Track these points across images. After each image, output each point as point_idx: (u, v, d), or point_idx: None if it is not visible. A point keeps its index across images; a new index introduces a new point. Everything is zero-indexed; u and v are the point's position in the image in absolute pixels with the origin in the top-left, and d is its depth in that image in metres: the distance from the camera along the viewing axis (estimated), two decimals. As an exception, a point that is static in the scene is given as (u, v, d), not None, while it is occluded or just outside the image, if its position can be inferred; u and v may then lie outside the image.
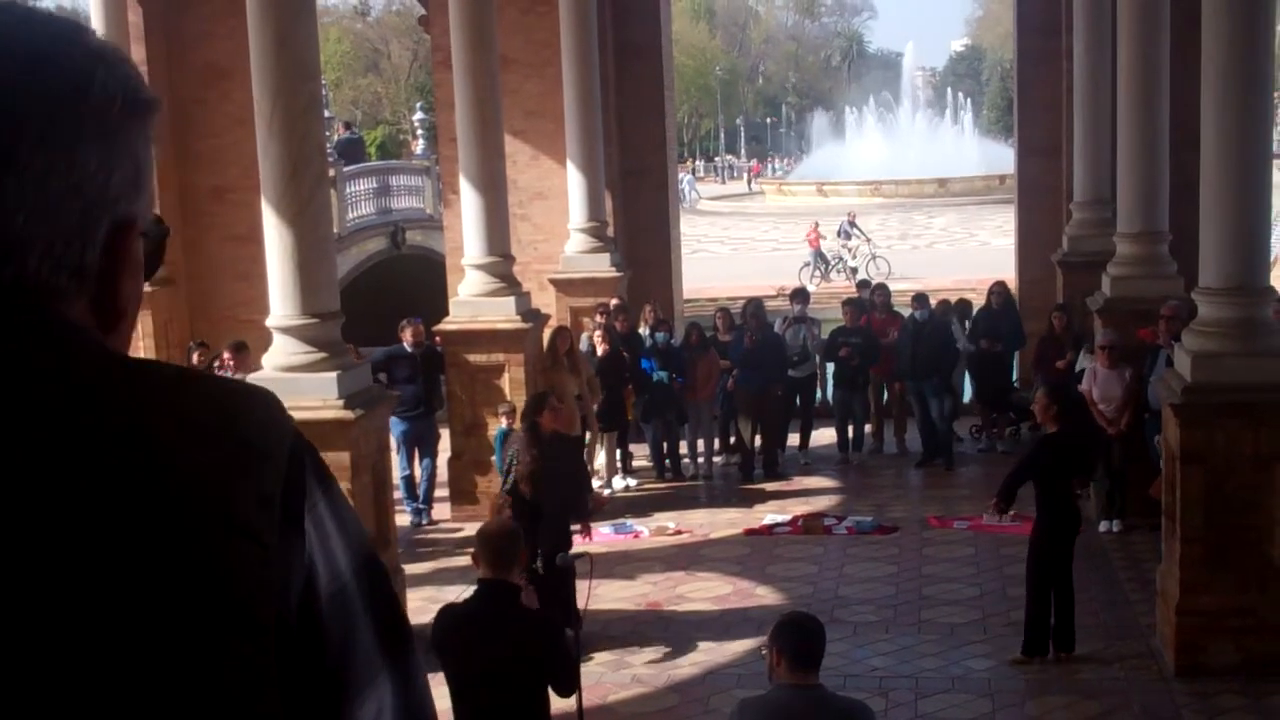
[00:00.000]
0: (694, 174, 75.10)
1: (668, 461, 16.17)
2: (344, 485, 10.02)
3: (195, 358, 14.47)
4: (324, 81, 24.18)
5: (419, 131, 45.00)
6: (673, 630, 11.09)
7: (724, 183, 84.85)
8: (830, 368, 17.10)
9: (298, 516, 1.15)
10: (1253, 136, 9.44)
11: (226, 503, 1.09)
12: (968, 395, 17.51)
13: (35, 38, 1.17)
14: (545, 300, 16.86)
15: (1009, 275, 19.35)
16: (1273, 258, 13.39)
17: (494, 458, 14.11)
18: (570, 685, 6.28)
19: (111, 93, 1.18)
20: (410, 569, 12.00)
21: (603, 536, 13.72)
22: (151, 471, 1.07)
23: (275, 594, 1.11)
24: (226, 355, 13.72)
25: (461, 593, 12.23)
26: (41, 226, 1.13)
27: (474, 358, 14.36)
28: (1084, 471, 10.94)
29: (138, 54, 17.85)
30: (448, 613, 6.24)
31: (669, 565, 12.88)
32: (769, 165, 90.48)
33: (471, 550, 6.53)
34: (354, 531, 1.23)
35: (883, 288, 18.02)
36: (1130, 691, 9.55)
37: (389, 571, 1.30)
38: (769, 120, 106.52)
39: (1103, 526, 13.12)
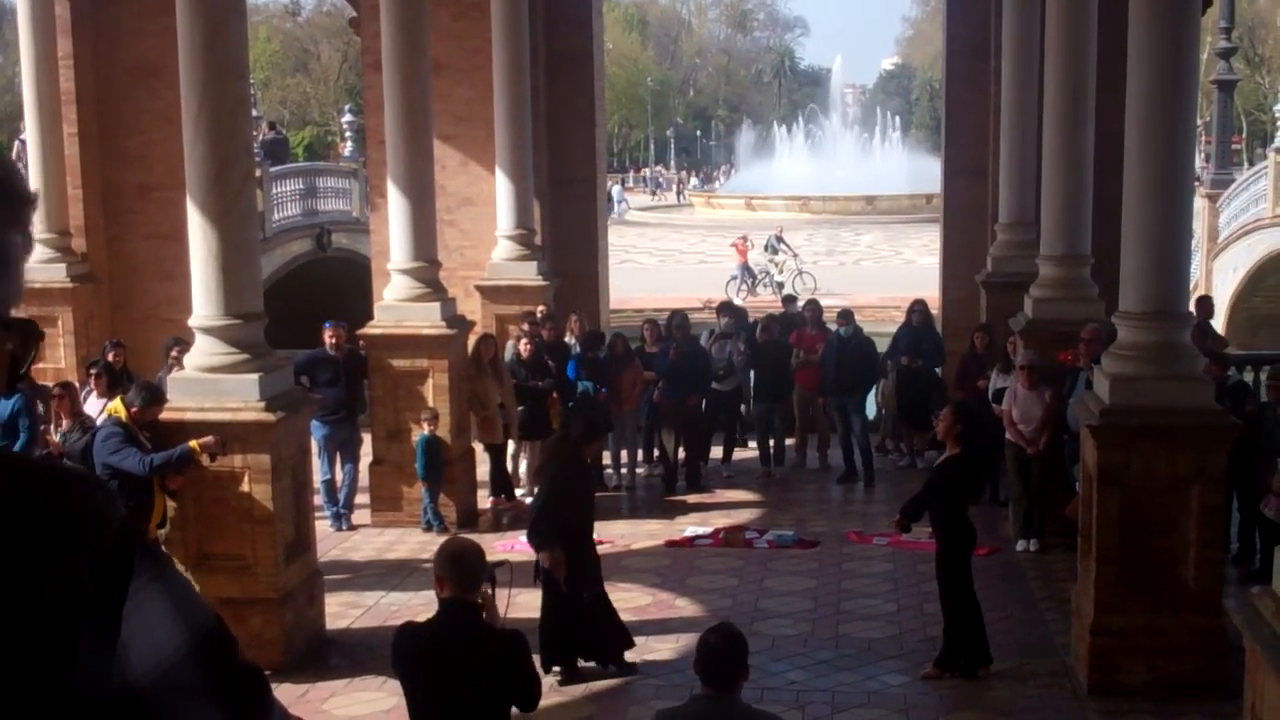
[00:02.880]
0: (623, 184, 75.08)
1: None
2: (263, 488, 9.99)
3: (110, 356, 14.21)
4: (252, 81, 23.84)
5: (347, 134, 44.62)
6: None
7: (654, 194, 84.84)
8: (753, 379, 17.18)
9: (115, 604, 1.16)
10: (1175, 162, 9.60)
11: (30, 585, 1.08)
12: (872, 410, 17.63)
13: None
14: (471, 307, 16.80)
15: (933, 294, 19.56)
16: (1192, 284, 13.63)
17: (416, 464, 14.02)
18: (533, 701, 6.25)
19: None
20: (330, 575, 11.90)
21: (523, 545, 13.63)
22: None
23: (79, 676, 1.12)
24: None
25: (380, 598, 12.20)
26: None
27: (398, 363, 14.26)
28: (975, 493, 11.01)
29: (64, 48, 17.60)
30: (408, 631, 6.16)
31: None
32: (717, 176, 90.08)
33: (430, 568, 6.43)
34: (192, 610, 1.25)
35: (814, 303, 18.16)
36: (1044, 709, 9.66)
37: (235, 643, 1.31)
38: (699, 133, 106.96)
39: (1020, 545, 13.28)
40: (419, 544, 13.74)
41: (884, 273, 41.29)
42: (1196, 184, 13.55)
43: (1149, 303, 9.60)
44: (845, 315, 16.76)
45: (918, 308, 17.17)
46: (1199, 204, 27.97)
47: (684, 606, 11.94)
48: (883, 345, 17.44)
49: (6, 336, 1.24)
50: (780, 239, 40.62)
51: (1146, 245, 9.58)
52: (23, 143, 24.02)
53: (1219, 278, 30.26)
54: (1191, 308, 12.18)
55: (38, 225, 17.49)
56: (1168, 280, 9.70)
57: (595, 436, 10.83)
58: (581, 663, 10.28)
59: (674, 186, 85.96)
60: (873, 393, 17.37)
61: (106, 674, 1.15)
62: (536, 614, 11.32)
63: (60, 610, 1.09)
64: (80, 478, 1.17)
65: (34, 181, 17.14)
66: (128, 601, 1.17)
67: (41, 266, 17.07)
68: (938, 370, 17.13)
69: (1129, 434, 9.47)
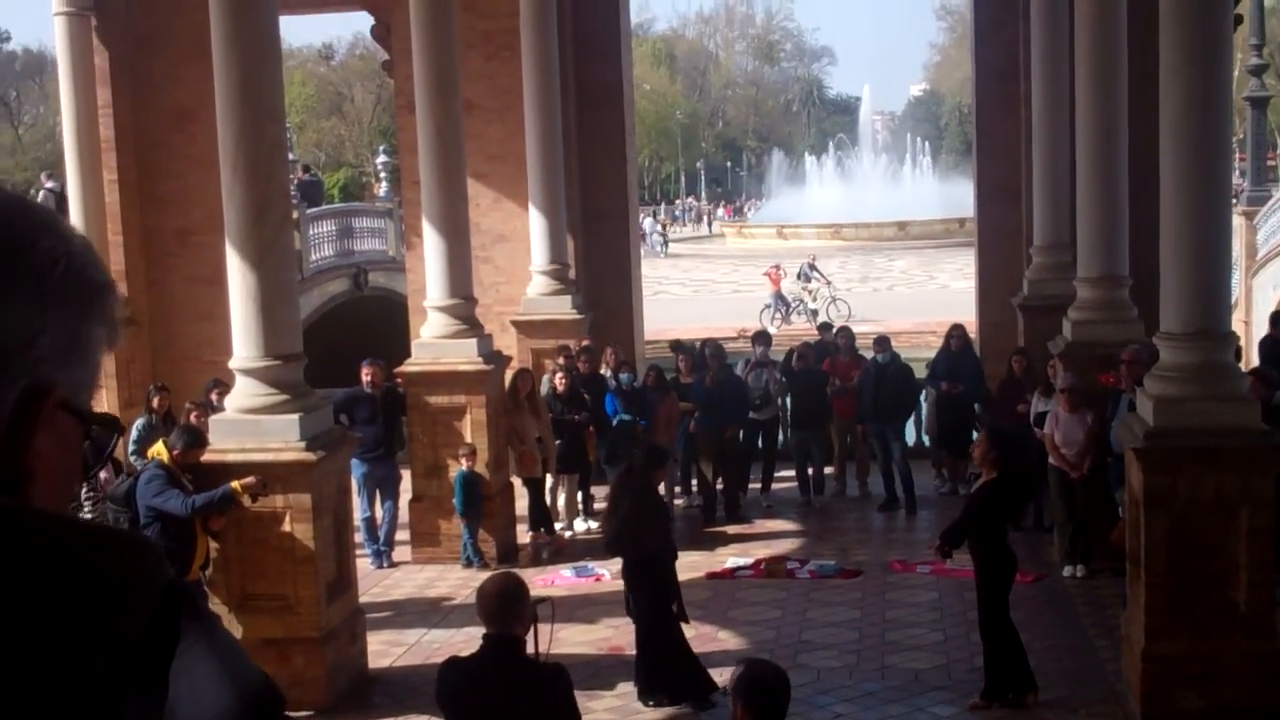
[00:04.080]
0: (654, 217, 75.08)
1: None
2: (305, 528, 10.01)
3: (155, 401, 14.33)
4: (288, 124, 24.04)
5: (382, 174, 44.98)
6: (633, 674, 10.98)
7: (688, 225, 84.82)
8: (789, 407, 17.13)
9: (162, 667, 1.15)
10: (1213, 180, 9.53)
11: (77, 649, 1.08)
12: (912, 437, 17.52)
13: None
14: (507, 342, 16.83)
15: (969, 318, 19.48)
16: (1232, 302, 13.50)
17: (455, 500, 14.03)
18: None
19: (55, 258, 1.19)
20: (371, 613, 11.90)
21: (564, 579, 13.64)
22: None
23: None
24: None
25: (422, 635, 12.19)
26: None
27: (435, 399, 14.29)
28: (1014, 517, 10.92)
29: (103, 97, 17.86)
30: (452, 666, 6.16)
31: (625, 608, 12.77)
32: (744, 206, 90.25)
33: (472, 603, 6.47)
34: (240, 671, 1.26)
35: (846, 330, 18.10)
36: (1095, 737, 9.54)
37: (283, 703, 1.31)
38: (729, 164, 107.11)
39: (1066, 571, 13.14)
40: (459, 580, 13.73)
41: (918, 298, 41.14)
42: (1234, 201, 13.49)
43: (1191, 323, 9.52)
44: (882, 342, 16.69)
45: (956, 333, 17.05)
46: (1236, 221, 27.77)
47: (726, 639, 11.86)
48: (919, 370, 17.35)
49: (85, 432, 1.26)
50: (813, 266, 40.59)
51: (1186, 265, 9.51)
52: (49, 191, 24.33)
53: (1259, 295, 29.96)
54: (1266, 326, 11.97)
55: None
56: (1209, 300, 9.61)
57: (661, 462, 10.98)
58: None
59: (703, 217, 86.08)
60: (911, 419, 17.27)
61: None
62: (578, 650, 11.33)
63: (107, 674, 1.09)
64: (129, 539, 1.18)
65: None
66: (174, 663, 1.16)
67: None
68: (976, 401, 16.94)
69: (1174, 456, 9.37)
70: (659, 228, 71.27)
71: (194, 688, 1.19)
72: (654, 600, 10.12)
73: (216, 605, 9.79)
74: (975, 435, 16.77)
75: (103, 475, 11.87)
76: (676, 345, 18.54)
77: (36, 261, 1.18)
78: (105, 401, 16.71)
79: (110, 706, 1.09)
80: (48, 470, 1.21)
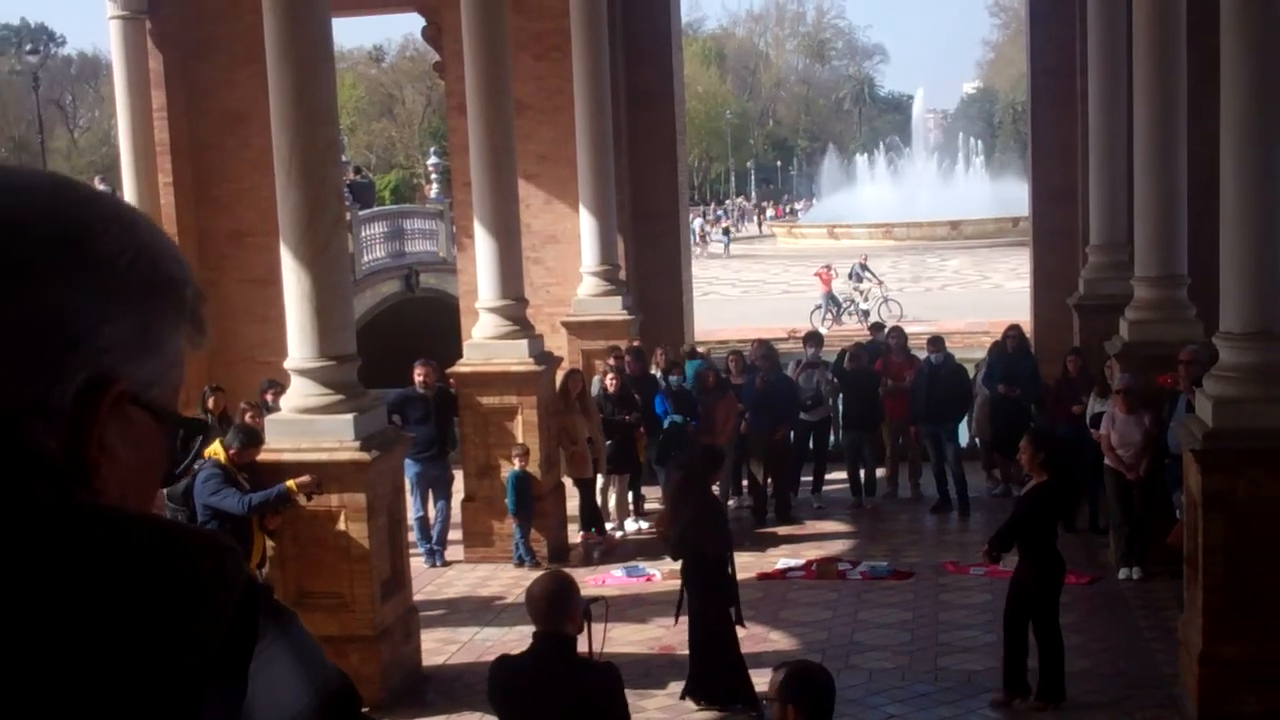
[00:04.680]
0: (705, 218, 74.87)
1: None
2: (359, 527, 10.08)
3: (211, 402, 14.47)
4: (340, 126, 24.19)
5: (433, 176, 45.21)
6: (685, 674, 10.97)
7: (743, 225, 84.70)
8: (841, 408, 17.05)
9: (241, 665, 1.14)
10: (1274, 176, 9.39)
11: (157, 651, 1.07)
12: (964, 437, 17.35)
13: (51, 198, 1.18)
14: (557, 343, 16.86)
15: (1023, 318, 19.31)
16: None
17: (506, 500, 14.08)
18: None
19: (122, 247, 1.18)
20: (425, 611, 11.97)
21: (615, 579, 13.66)
22: (76, 619, 1.05)
23: None
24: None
25: (475, 634, 12.24)
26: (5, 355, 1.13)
27: (487, 400, 14.34)
28: (1066, 515, 10.81)
29: (158, 100, 18.07)
30: (504, 664, 6.17)
31: (676, 608, 12.77)
32: (794, 207, 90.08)
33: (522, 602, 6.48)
34: (318, 668, 1.24)
35: (899, 330, 17.99)
36: (1152, 741, 9.44)
37: (360, 701, 1.29)
38: (779, 163, 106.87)
39: (1122, 574, 13.01)
40: (511, 579, 13.78)
41: (971, 298, 40.85)
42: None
43: (1251, 323, 9.39)
44: (936, 342, 16.58)
45: (1013, 333, 16.80)
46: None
47: (778, 640, 11.83)
48: (972, 370, 17.19)
49: (167, 431, 1.25)
50: (865, 266, 40.40)
51: (1246, 263, 9.39)
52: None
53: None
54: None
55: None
56: (1270, 299, 9.47)
57: (719, 464, 10.93)
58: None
59: (750, 217, 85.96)
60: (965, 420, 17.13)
61: None
62: (629, 649, 11.34)
63: (187, 676, 1.08)
64: (208, 539, 1.16)
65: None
66: (252, 662, 1.15)
67: (139, 313, 17.51)
68: (1032, 402, 16.74)
69: (1234, 458, 9.24)
70: (723, 227, 71.35)
71: (272, 686, 1.18)
72: (713, 603, 10.11)
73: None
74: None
75: None
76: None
77: (102, 250, 1.16)
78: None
79: (190, 710, 1.08)
80: (120, 467, 1.20)
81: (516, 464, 14.03)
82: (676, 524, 10.46)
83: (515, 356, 14.32)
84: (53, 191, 1.19)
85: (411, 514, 13.79)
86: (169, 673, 1.07)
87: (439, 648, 11.81)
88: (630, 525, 15.78)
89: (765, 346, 17.09)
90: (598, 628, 7.80)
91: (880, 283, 39.78)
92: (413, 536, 13.81)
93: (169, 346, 1.22)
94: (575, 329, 17.55)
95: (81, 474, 1.17)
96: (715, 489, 15.98)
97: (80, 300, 1.15)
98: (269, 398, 13.51)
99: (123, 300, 1.18)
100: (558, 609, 6.06)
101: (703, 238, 63.40)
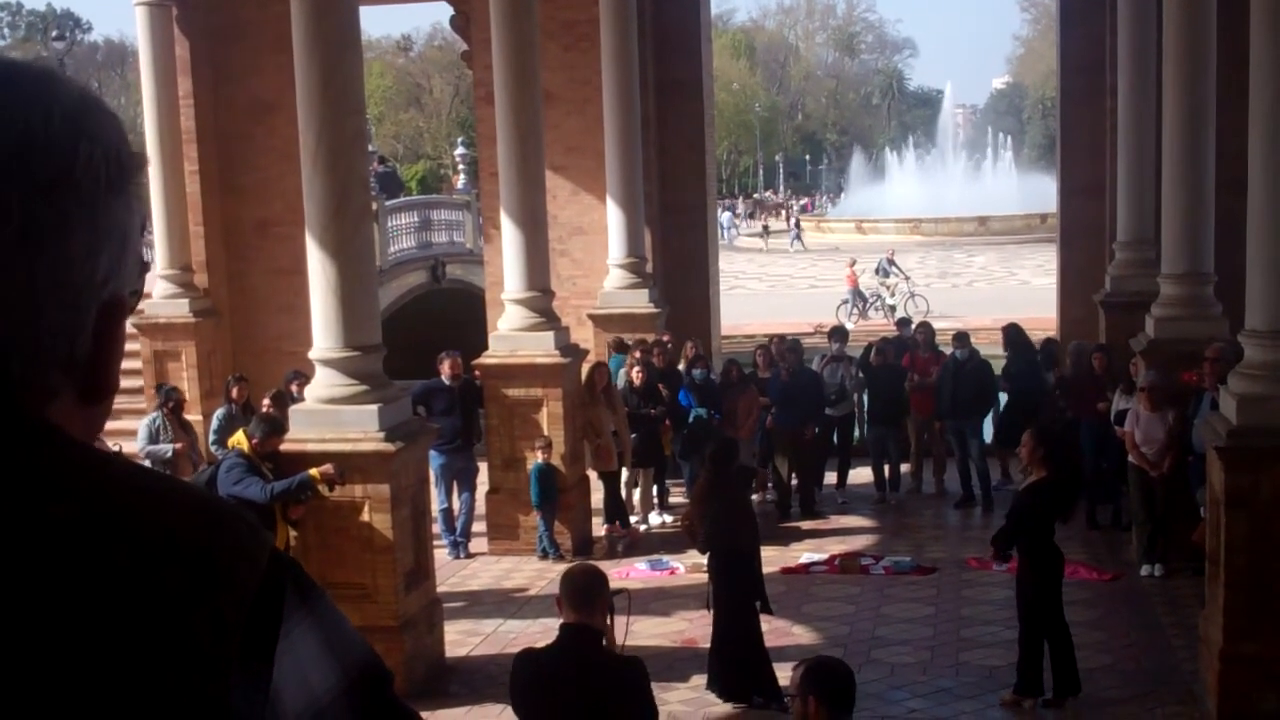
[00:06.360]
0: (734, 212, 74.65)
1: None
2: (383, 518, 10.12)
3: (234, 392, 14.55)
4: (367, 116, 24.34)
5: (460, 166, 45.29)
6: (706, 667, 11.00)
7: (771, 219, 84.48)
8: (867, 403, 17.03)
9: (267, 646, 1.11)
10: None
11: (180, 629, 1.05)
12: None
13: (11, 106, 1.09)
14: (583, 335, 16.89)
15: (1050, 315, 19.25)
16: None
17: (531, 492, 14.11)
18: None
19: (96, 168, 1.11)
20: (448, 603, 12.02)
21: (639, 572, 13.69)
22: (96, 595, 1.03)
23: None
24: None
25: (498, 626, 12.29)
26: (25, 329, 1.09)
27: (512, 392, 14.37)
28: (1065, 511, 10.78)
29: (184, 87, 18.12)
30: (527, 658, 6.14)
31: (705, 602, 12.76)
32: (821, 201, 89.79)
33: (554, 593, 6.45)
34: (346, 647, 1.19)
35: (926, 326, 17.96)
36: (1173, 739, 9.41)
37: (390, 679, 1.24)
38: (807, 157, 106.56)
39: (1144, 570, 12.98)
40: (535, 572, 13.83)
41: (998, 294, 40.68)
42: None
43: (1276, 321, 9.34)
44: (961, 338, 16.54)
45: (1009, 331, 16.95)
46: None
47: (801, 634, 11.84)
48: (997, 368, 17.14)
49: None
50: (891, 261, 40.28)
51: (1272, 262, 9.33)
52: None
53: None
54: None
55: (160, 262, 18.00)
56: (1296, 297, 9.43)
57: (734, 455, 11.00)
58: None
59: (781, 213, 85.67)
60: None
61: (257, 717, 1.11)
62: (652, 641, 11.37)
63: (210, 655, 1.05)
64: (228, 511, 1.14)
65: (157, 220, 17.64)
66: (279, 643, 1.11)
67: (165, 302, 17.65)
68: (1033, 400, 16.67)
69: (1258, 455, 9.20)
70: (763, 220, 71.25)
71: (299, 665, 1.14)
72: (740, 597, 10.13)
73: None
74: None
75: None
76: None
77: (86, 183, 1.11)
78: (187, 392, 17.03)
79: (215, 688, 1.05)
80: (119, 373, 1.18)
81: (541, 456, 14.06)
82: (704, 521, 10.47)
83: (541, 348, 14.34)
84: (27, 111, 1.10)
85: (436, 506, 13.84)
86: (191, 651, 1.05)
87: (462, 639, 11.86)
88: (655, 519, 15.80)
89: (791, 341, 17.08)
90: (621, 620, 7.83)
91: (907, 278, 39.65)
92: (437, 528, 13.86)
93: (135, 234, 1.19)
94: (601, 321, 17.58)
95: (98, 399, 1.16)
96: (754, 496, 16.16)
97: (78, 243, 1.11)
98: (294, 389, 13.58)
99: (107, 221, 1.14)
100: (594, 598, 6.04)
101: (735, 232, 63.10)
